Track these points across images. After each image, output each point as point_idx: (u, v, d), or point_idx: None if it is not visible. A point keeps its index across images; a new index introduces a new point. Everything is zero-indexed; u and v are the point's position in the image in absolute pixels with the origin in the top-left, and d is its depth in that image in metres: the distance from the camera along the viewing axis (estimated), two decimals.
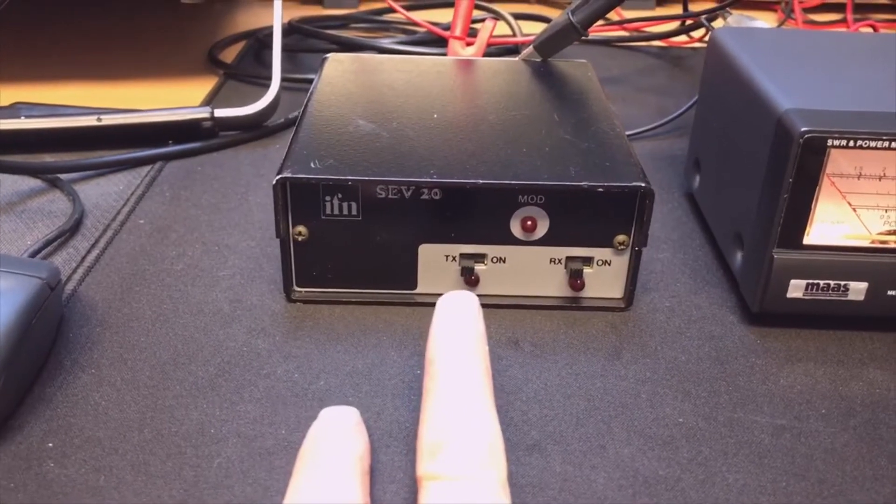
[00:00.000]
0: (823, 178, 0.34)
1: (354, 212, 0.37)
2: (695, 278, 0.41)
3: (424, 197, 0.37)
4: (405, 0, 0.85)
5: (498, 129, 0.40)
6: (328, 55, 0.49)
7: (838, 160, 0.34)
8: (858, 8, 0.83)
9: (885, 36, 0.45)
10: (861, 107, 0.35)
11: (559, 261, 0.38)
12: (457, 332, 0.29)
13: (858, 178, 0.35)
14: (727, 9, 0.56)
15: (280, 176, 0.36)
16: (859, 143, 0.33)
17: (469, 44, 0.56)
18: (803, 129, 0.33)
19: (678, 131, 0.57)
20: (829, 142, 0.33)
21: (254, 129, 0.54)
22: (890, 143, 0.33)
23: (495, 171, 0.36)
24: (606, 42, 0.73)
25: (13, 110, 0.51)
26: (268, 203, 0.47)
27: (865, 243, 0.36)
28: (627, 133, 0.55)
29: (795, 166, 0.34)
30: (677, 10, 0.73)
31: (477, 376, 0.28)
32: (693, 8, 0.74)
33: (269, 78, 0.55)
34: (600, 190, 0.36)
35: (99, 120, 0.51)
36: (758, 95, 0.37)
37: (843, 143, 0.33)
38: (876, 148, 0.33)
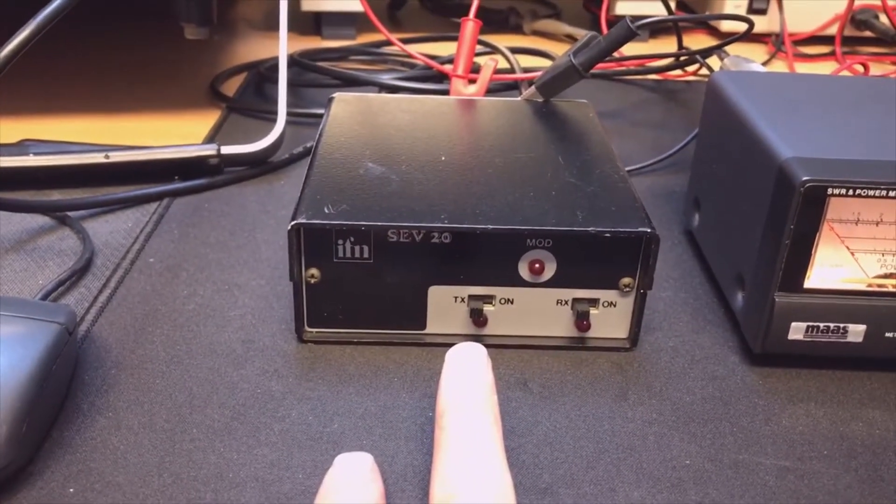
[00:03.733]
0: (823, 224, 0.35)
1: (366, 255, 0.38)
2: (696, 317, 0.42)
3: (435, 241, 0.37)
4: (401, 33, 0.86)
5: (505, 171, 0.41)
6: (334, 95, 0.50)
7: (837, 207, 0.35)
8: (847, 41, 0.85)
9: (879, 80, 0.47)
10: (859, 154, 0.36)
11: (566, 302, 0.39)
12: (466, 385, 0.30)
13: (856, 223, 0.36)
14: (723, 49, 0.57)
15: (295, 222, 0.36)
16: (858, 191, 0.35)
17: (472, 80, 0.57)
18: (804, 178, 0.34)
19: (676, 167, 0.59)
20: (829, 190, 0.35)
21: (259, 165, 0.55)
22: (888, 192, 0.35)
23: (504, 216, 0.37)
24: (603, 76, 0.74)
25: (22, 147, 0.52)
26: (275, 240, 0.48)
27: (863, 287, 0.37)
28: (626, 169, 0.57)
29: (797, 214, 0.35)
30: (671, 42, 0.74)
31: (487, 429, 0.29)
32: (685, 40, 0.75)
33: (272, 112, 0.56)
34: (607, 235, 0.37)
35: (107, 157, 0.51)
36: (758, 143, 0.38)
37: (843, 191, 0.35)
38: (874, 196, 0.35)
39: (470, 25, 0.55)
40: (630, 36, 0.47)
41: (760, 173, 0.38)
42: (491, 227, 0.37)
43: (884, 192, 0.35)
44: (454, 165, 0.41)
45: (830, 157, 0.36)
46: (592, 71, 0.69)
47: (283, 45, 0.56)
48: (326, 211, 0.37)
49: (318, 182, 0.39)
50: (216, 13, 0.60)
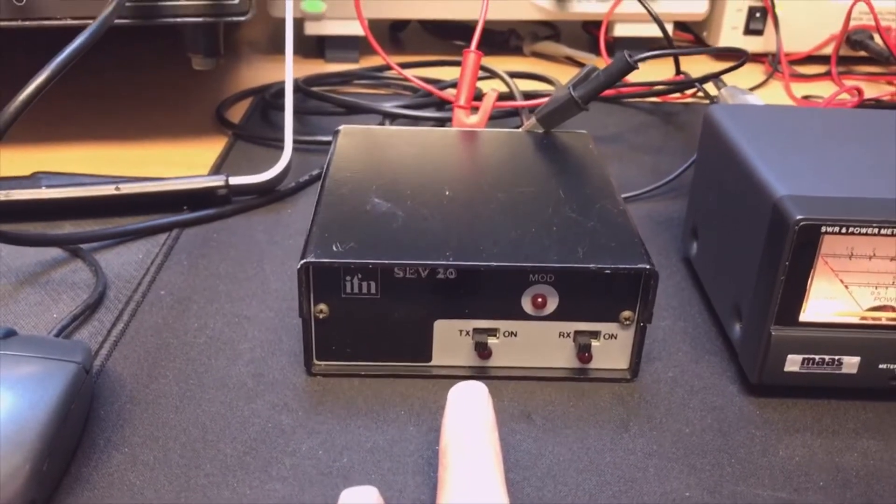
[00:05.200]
0: (818, 259, 0.36)
1: (374, 290, 0.39)
2: (695, 347, 0.43)
3: (440, 276, 0.38)
4: (403, 55, 0.87)
5: (507, 206, 0.42)
6: (340, 127, 0.51)
7: (832, 243, 0.36)
8: (843, 61, 0.86)
9: (875, 114, 0.48)
10: (853, 192, 0.38)
11: (568, 335, 0.40)
12: (467, 423, 0.31)
13: (850, 257, 0.37)
14: (720, 78, 0.59)
15: (305, 260, 0.37)
16: (851, 229, 0.36)
17: (475, 107, 0.58)
18: (798, 216, 0.35)
19: (674, 192, 0.60)
20: (823, 228, 0.36)
21: (267, 195, 0.56)
22: (880, 230, 0.36)
23: (507, 252, 0.38)
24: (601, 98, 0.75)
25: (34, 180, 0.53)
26: (283, 271, 0.49)
27: (857, 319, 0.38)
28: (626, 195, 0.58)
29: (791, 251, 0.36)
30: (670, 64, 0.75)
31: (488, 466, 0.30)
32: (684, 62, 0.76)
33: (278, 139, 0.57)
34: (607, 271, 0.38)
35: (118, 189, 0.53)
36: (753, 179, 0.39)
37: (836, 229, 0.36)
38: (866, 234, 0.36)
39: (472, 57, 0.57)
40: (628, 69, 0.48)
41: (755, 210, 0.39)
42: (495, 263, 0.38)
43: (876, 230, 0.36)
44: (458, 201, 0.43)
45: (824, 195, 0.37)
46: None
47: (289, 78, 0.57)
48: (335, 249, 0.38)
49: (326, 219, 0.41)
50: (223, 44, 0.61)
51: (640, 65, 0.47)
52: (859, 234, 0.36)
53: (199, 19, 0.55)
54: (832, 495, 0.34)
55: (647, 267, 0.38)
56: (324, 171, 0.46)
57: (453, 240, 0.39)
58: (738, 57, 0.53)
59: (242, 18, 0.56)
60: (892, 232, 0.36)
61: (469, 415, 0.32)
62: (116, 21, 0.52)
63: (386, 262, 0.38)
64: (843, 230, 0.36)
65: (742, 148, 0.42)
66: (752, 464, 0.36)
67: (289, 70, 0.57)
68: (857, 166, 0.40)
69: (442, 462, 0.30)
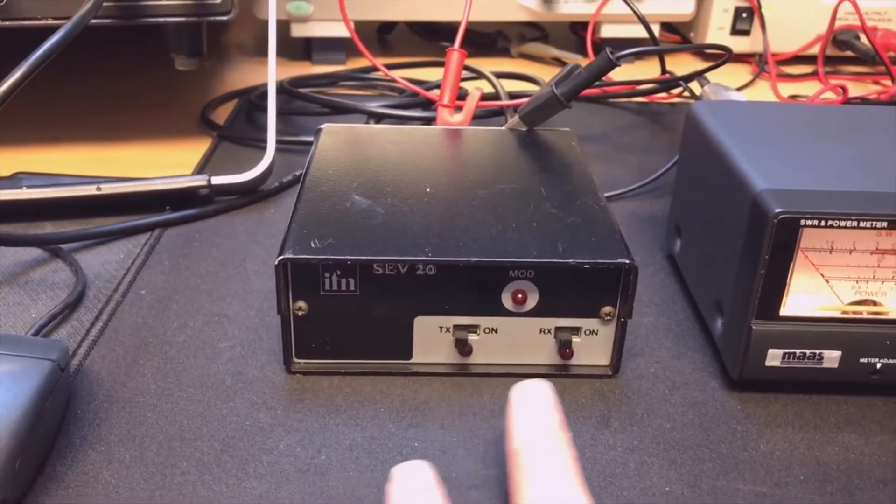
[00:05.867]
0: (798, 253, 0.36)
1: (353, 287, 0.39)
2: (678, 343, 0.43)
3: (419, 273, 0.38)
4: (390, 57, 0.87)
5: (488, 203, 0.42)
6: (322, 126, 0.51)
7: (811, 236, 0.36)
8: (829, 61, 0.86)
9: (855, 109, 0.48)
10: (832, 185, 0.37)
11: (549, 331, 0.40)
12: (541, 423, 0.31)
13: (830, 251, 0.37)
14: (704, 75, 0.59)
15: (282, 256, 0.37)
16: (830, 222, 0.36)
17: (458, 107, 0.58)
18: (777, 210, 0.35)
19: (659, 191, 0.60)
20: (802, 221, 0.36)
21: (249, 194, 0.56)
22: (858, 222, 0.36)
23: (487, 248, 0.38)
24: (589, 99, 0.75)
25: (15, 180, 0.52)
26: (264, 270, 0.48)
27: (838, 313, 0.38)
28: (610, 194, 0.58)
29: (770, 245, 0.36)
30: (657, 65, 0.75)
31: (571, 467, 0.29)
32: (666, 62, 0.76)
33: (262, 140, 0.57)
34: (587, 266, 0.38)
35: (99, 189, 0.52)
36: (734, 174, 0.39)
37: (815, 222, 0.36)
38: (845, 227, 0.36)
39: (455, 56, 0.57)
40: (610, 66, 0.48)
41: (736, 204, 0.39)
42: (474, 259, 0.37)
43: (855, 223, 0.36)
44: (439, 197, 0.42)
45: (803, 189, 0.37)
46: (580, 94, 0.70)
47: (272, 77, 0.57)
48: (313, 245, 0.38)
49: (305, 216, 0.40)
50: (206, 44, 0.61)
51: (627, 64, 0.47)
52: (839, 227, 0.36)
53: (182, 19, 0.55)
54: (811, 489, 0.34)
55: (627, 262, 0.37)
56: (305, 168, 0.46)
57: (433, 236, 0.39)
58: (722, 55, 0.53)
59: (224, 18, 0.55)
60: (872, 225, 0.36)
61: (541, 414, 0.31)
62: (99, 21, 0.52)
63: (365, 258, 0.37)
64: (823, 223, 0.36)
65: (723, 143, 0.42)
66: (732, 458, 0.36)
67: (271, 70, 0.57)
68: (837, 161, 0.40)
69: (516, 462, 0.30)
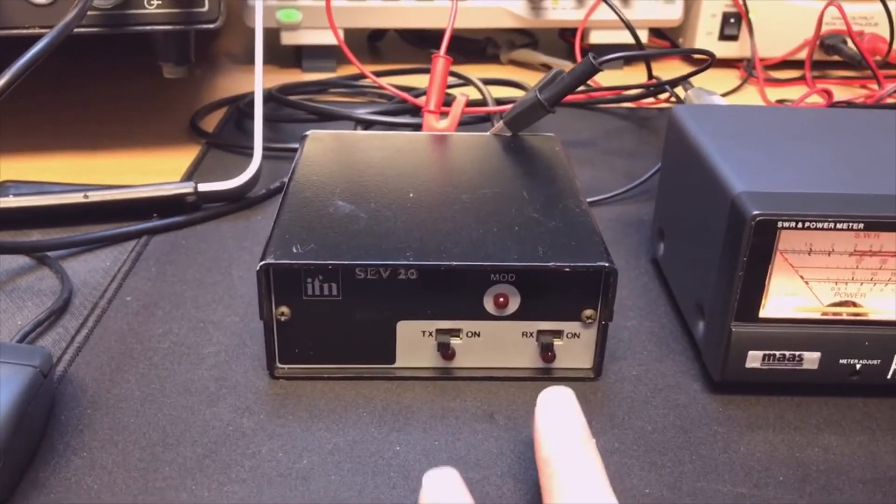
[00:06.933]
0: (776, 255, 0.37)
1: (335, 292, 0.39)
2: (660, 346, 0.43)
3: (402, 277, 0.38)
4: (381, 64, 0.88)
5: (470, 207, 0.42)
6: (308, 132, 0.51)
7: (790, 238, 0.36)
8: (817, 65, 0.87)
9: (835, 112, 0.48)
10: (810, 187, 0.38)
11: (531, 334, 0.40)
12: (569, 430, 0.32)
13: (809, 253, 0.37)
14: (688, 80, 0.59)
15: (264, 262, 0.37)
16: (807, 224, 0.36)
17: (445, 113, 0.58)
18: (755, 212, 0.36)
19: (645, 195, 0.60)
20: (780, 223, 0.36)
21: (236, 201, 0.56)
22: (836, 224, 0.36)
23: (468, 252, 0.38)
24: (576, 105, 0.76)
25: (2, 189, 0.53)
26: (249, 276, 0.49)
27: (817, 315, 0.38)
28: (595, 199, 0.58)
29: (749, 247, 0.36)
30: (642, 72, 0.75)
31: (601, 473, 0.30)
32: (655, 68, 0.77)
33: (250, 147, 0.57)
34: (567, 269, 0.38)
35: (86, 197, 0.52)
36: (713, 177, 0.40)
37: (793, 224, 0.36)
38: (823, 229, 0.36)
39: (441, 62, 0.57)
40: (593, 72, 0.49)
41: (716, 207, 0.39)
42: (455, 263, 0.38)
43: (832, 225, 0.36)
44: (422, 202, 0.43)
45: (781, 191, 0.37)
46: (566, 100, 0.71)
47: (259, 85, 0.57)
48: (295, 250, 0.38)
49: (288, 221, 0.41)
50: (194, 51, 0.62)
51: (615, 70, 0.47)
52: (816, 228, 0.36)
53: (169, 27, 0.55)
54: (791, 490, 0.34)
55: (606, 265, 0.38)
56: (289, 174, 0.46)
57: (415, 241, 0.39)
58: (706, 59, 0.53)
59: (211, 26, 0.56)
60: (849, 226, 0.36)
61: (568, 422, 0.32)
62: (85, 29, 0.52)
63: (347, 262, 0.38)
64: (800, 225, 0.36)
65: (704, 146, 0.42)
66: (713, 460, 0.36)
67: (258, 77, 0.57)
68: (817, 163, 0.40)
69: (545, 470, 0.31)
